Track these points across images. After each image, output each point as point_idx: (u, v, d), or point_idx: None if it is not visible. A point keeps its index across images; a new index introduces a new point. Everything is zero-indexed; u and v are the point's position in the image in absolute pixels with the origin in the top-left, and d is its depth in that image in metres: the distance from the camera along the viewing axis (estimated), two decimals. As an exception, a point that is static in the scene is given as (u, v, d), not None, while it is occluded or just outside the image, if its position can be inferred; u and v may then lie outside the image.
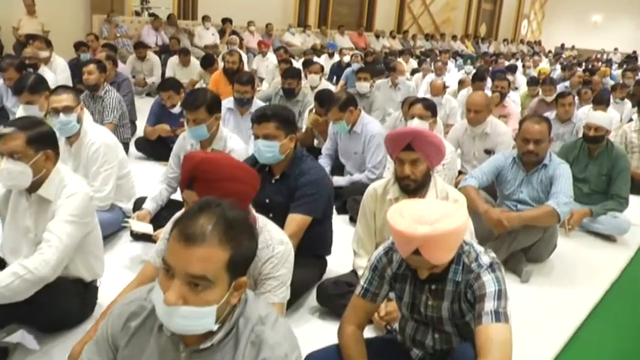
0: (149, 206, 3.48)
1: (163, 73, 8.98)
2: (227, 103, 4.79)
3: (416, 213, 1.73)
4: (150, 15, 12.39)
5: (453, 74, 11.40)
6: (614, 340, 3.04)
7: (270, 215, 2.91)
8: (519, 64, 13.93)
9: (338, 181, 4.37)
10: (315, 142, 5.31)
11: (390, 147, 2.65)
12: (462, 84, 7.80)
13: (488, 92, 6.18)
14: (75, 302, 2.54)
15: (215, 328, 1.36)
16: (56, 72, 6.79)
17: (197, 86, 8.43)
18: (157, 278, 1.36)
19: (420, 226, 1.68)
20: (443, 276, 1.92)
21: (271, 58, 10.35)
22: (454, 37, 19.93)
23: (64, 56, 7.87)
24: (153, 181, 3.84)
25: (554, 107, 6.07)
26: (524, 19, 26.12)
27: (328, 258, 3.19)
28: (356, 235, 2.93)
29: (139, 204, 3.60)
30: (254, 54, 11.80)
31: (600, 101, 6.50)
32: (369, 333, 2.60)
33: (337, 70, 10.39)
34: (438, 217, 1.70)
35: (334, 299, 2.73)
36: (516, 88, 10.14)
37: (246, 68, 9.31)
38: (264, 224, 2.12)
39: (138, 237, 3.48)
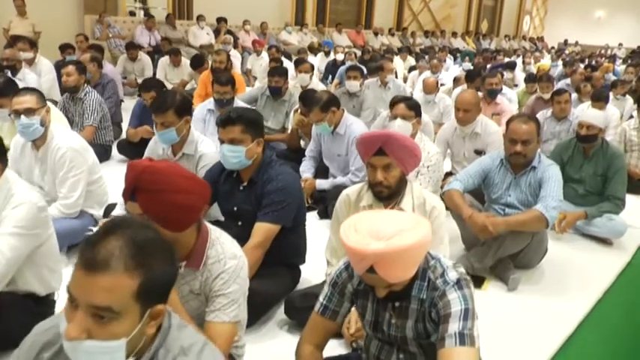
0: (119, 213, 3.32)
1: (154, 74, 8.83)
2: (207, 104, 4.64)
3: (371, 227, 1.57)
4: (145, 15, 12.27)
5: (452, 72, 11.21)
6: (605, 352, 2.86)
7: (239, 223, 2.80)
8: (519, 60, 13.71)
9: (321, 184, 4.22)
10: (302, 143, 5.14)
11: (361, 151, 2.48)
12: (457, 82, 7.61)
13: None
14: (24, 317, 2.37)
15: None
16: (41, 74, 6.64)
17: (188, 87, 8.32)
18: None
19: (373, 242, 1.52)
20: (406, 293, 1.76)
21: (265, 57, 10.20)
22: (454, 34, 19.72)
23: (55, 58, 7.75)
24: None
25: (551, 105, 5.89)
26: (527, 15, 25.88)
27: (307, 267, 3.03)
28: (329, 243, 2.77)
29: (109, 211, 3.45)
30: (249, 53, 11.68)
31: (599, 98, 6.31)
32: (340, 349, 2.45)
33: (332, 68, 10.23)
34: (395, 232, 1.54)
35: (302, 312, 2.55)
36: (516, 85, 9.98)
37: (238, 68, 9.22)
38: (217, 237, 1.96)
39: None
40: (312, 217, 4.12)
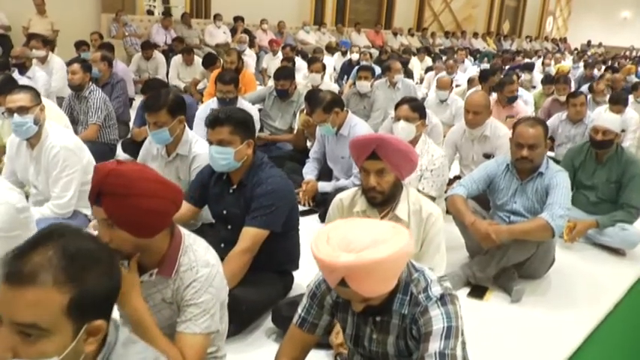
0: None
1: (168, 73, 8.82)
2: (211, 103, 4.57)
3: (344, 238, 1.46)
4: (163, 14, 12.29)
5: (470, 72, 11.00)
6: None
7: (229, 227, 2.71)
8: (539, 61, 13.44)
9: (323, 186, 4.12)
10: (308, 144, 5.05)
11: (354, 155, 2.37)
12: (471, 83, 7.44)
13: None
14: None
15: None
16: (52, 72, 6.65)
17: (200, 85, 8.26)
18: None
19: (343, 254, 1.42)
20: (387, 307, 1.65)
21: (281, 56, 10.11)
22: (475, 35, 19.46)
23: (73, 56, 7.77)
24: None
25: (567, 107, 5.71)
26: (550, 16, 25.45)
27: (303, 273, 2.92)
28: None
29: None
30: (266, 52, 11.61)
31: (617, 100, 6.11)
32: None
33: (348, 68, 10.11)
34: (368, 243, 1.43)
35: (290, 321, 2.46)
36: (534, 87, 9.75)
37: (252, 68, 9.14)
38: (191, 243, 1.87)
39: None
40: (313, 220, 4.03)
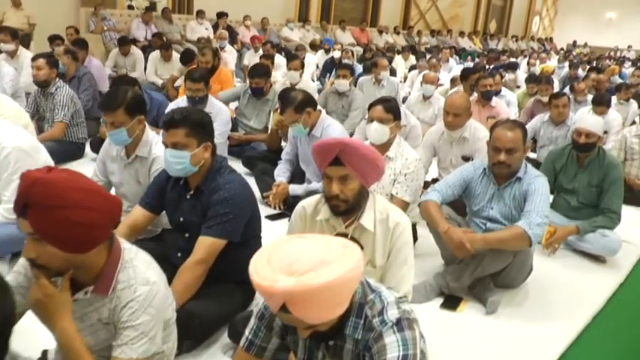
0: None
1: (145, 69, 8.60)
2: (180, 101, 4.39)
3: (287, 258, 1.30)
4: (148, 8, 12.03)
5: (455, 72, 10.88)
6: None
7: (186, 235, 2.54)
8: (524, 61, 13.36)
9: (295, 189, 3.96)
10: (283, 144, 4.87)
11: (316, 160, 2.20)
12: (454, 82, 7.31)
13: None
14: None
15: None
16: (23, 66, 6.42)
17: (178, 82, 8.06)
18: None
19: (282, 278, 1.26)
20: (339, 331, 1.50)
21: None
22: (461, 34, 19.36)
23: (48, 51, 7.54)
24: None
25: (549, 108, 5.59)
26: (536, 16, 25.45)
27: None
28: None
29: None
30: (248, 49, 11.43)
31: (600, 102, 6.02)
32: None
33: (330, 66, 9.94)
34: (312, 266, 1.27)
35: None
36: (518, 87, 9.65)
37: (232, 65, 8.96)
38: (131, 258, 1.70)
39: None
40: (283, 225, 3.86)
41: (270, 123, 4.98)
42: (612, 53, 21.65)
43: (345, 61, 9.04)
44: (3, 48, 6.31)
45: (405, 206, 3.31)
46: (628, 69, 13.87)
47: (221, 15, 12.37)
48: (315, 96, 6.27)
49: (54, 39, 7.66)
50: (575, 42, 23.28)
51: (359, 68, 9.44)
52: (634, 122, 6.34)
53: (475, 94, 5.76)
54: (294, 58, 6.85)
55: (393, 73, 9.39)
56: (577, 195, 3.93)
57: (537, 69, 11.44)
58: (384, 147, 3.34)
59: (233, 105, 5.90)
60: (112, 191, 3.27)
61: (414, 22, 19.10)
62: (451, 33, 19.26)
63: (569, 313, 3.06)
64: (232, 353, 2.40)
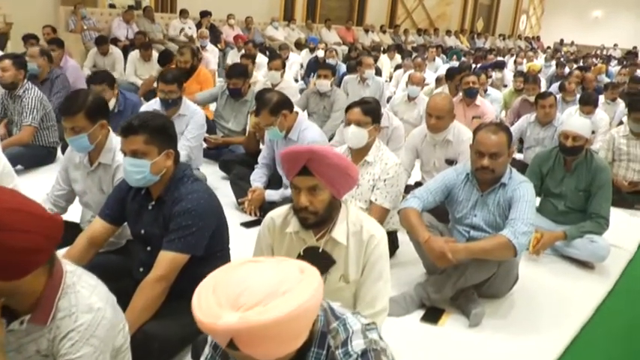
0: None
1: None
2: (153, 103, 4.20)
3: (234, 288, 1.14)
4: (131, 7, 11.79)
5: (441, 71, 10.76)
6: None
7: (148, 248, 2.37)
8: (511, 60, 13.27)
9: (271, 195, 3.80)
10: (262, 146, 4.70)
11: (284, 169, 2.05)
12: (439, 82, 7.18)
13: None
14: None
15: None
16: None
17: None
18: None
19: (225, 313, 1.10)
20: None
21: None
22: (448, 33, 19.26)
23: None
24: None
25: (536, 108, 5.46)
26: (523, 14, 25.42)
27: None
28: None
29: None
30: (232, 48, 11.25)
31: (587, 102, 5.91)
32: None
33: (314, 65, 9.76)
34: (261, 299, 1.11)
35: None
36: (505, 86, 9.55)
37: (213, 64, 8.77)
38: (75, 282, 1.54)
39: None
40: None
41: (249, 125, 4.82)
42: (599, 52, 21.66)
43: (330, 60, 8.89)
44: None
45: (384, 213, 3.17)
46: (614, 67, 13.81)
47: (205, 14, 12.18)
48: (297, 97, 6.13)
49: (28, 38, 7.42)
50: (562, 40, 23.29)
51: (343, 67, 9.29)
52: (621, 122, 6.22)
53: (461, 94, 5.63)
54: (276, 57, 6.68)
55: (378, 72, 9.24)
56: (564, 199, 3.80)
57: (524, 67, 11.36)
58: (363, 151, 3.20)
59: (213, 106, 5.74)
60: (76, 200, 3.11)
61: (400, 21, 18.97)
62: (437, 32, 19.15)
63: (556, 324, 2.92)
64: (195, 376, 2.24)
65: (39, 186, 3.17)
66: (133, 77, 8.12)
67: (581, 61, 14.75)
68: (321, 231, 2.10)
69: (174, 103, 4.07)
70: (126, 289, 2.18)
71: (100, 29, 10.65)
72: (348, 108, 3.27)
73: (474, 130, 3.02)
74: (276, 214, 2.23)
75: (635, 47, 21.21)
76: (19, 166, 4.35)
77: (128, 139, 2.22)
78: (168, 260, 2.18)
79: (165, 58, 7.25)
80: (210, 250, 2.30)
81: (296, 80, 9.44)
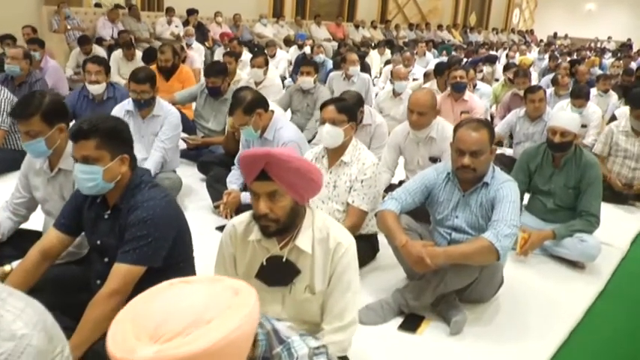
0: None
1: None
2: (126, 104, 4.02)
3: (154, 316, 0.99)
4: (116, 6, 11.61)
5: (432, 65, 10.61)
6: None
7: (105, 260, 2.21)
8: (504, 54, 13.13)
9: (247, 197, 3.62)
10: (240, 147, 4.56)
11: (243, 174, 1.91)
12: (427, 77, 7.03)
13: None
14: None
15: None
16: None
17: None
18: None
19: (140, 348, 0.95)
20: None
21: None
22: (440, 27, 19.10)
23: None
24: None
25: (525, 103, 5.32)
26: (516, 8, 25.26)
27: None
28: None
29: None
30: (219, 46, 11.08)
31: (579, 95, 5.75)
32: None
33: (302, 62, 9.57)
34: (183, 328, 0.96)
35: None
36: (497, 80, 9.41)
37: (199, 62, 8.61)
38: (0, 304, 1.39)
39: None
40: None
41: (227, 125, 4.66)
42: (592, 44, 21.56)
43: (320, 56, 8.73)
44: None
45: (362, 215, 3.04)
46: (608, 60, 13.68)
47: (192, 12, 12.00)
48: (282, 94, 5.98)
49: (4, 39, 7.21)
50: (555, 34, 23.17)
51: (330, 64, 9.14)
52: (613, 115, 6.08)
53: (449, 89, 5.49)
54: (259, 54, 6.52)
55: (367, 68, 9.09)
56: (553, 197, 3.67)
57: (517, 61, 11.22)
58: (339, 151, 3.05)
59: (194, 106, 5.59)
60: (38, 208, 2.95)
61: (391, 16, 18.79)
62: (429, 26, 18.99)
63: (544, 329, 2.78)
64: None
65: (8, 191, 3.02)
66: (116, 77, 7.89)
67: (575, 54, 14.60)
68: (285, 239, 1.96)
69: (147, 103, 3.90)
70: (86, 302, 2.04)
71: (84, 29, 10.45)
72: (323, 106, 3.12)
73: (454, 127, 2.87)
74: (238, 220, 2.08)
75: (629, 39, 21.14)
76: (-14, 171, 4.20)
77: (78, 144, 2.07)
78: (122, 273, 2.03)
79: (149, 56, 7.10)
80: (170, 261, 2.15)
81: (285, 77, 9.29)
